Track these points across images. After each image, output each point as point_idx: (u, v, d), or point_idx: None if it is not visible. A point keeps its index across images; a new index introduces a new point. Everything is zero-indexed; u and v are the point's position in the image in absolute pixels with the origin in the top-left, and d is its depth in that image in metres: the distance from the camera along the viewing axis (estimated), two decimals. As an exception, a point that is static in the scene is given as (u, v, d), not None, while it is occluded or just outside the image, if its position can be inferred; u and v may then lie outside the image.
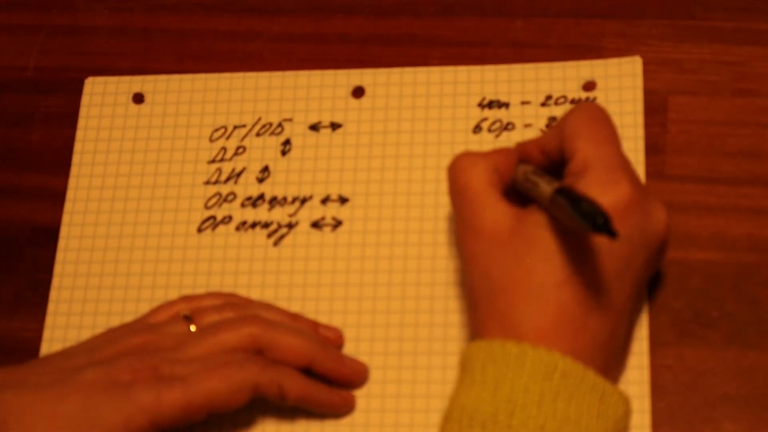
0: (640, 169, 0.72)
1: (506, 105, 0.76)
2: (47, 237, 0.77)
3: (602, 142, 0.64)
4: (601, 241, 0.61)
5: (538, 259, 0.62)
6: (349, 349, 0.71)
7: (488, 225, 0.64)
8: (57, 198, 0.78)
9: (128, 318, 0.73)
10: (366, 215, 0.74)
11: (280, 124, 0.78)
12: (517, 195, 0.67)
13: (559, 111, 0.75)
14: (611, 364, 0.63)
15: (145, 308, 0.72)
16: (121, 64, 0.81)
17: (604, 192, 0.62)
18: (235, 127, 0.78)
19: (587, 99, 0.75)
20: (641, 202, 0.63)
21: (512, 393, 0.59)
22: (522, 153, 0.68)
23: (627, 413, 0.62)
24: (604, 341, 0.62)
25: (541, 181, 0.63)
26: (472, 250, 0.64)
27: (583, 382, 0.60)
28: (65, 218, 0.77)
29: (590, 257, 0.62)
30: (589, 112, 0.65)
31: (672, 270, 0.70)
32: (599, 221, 0.57)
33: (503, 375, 0.60)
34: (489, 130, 0.76)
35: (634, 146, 0.73)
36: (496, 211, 0.64)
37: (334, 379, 0.69)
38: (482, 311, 0.63)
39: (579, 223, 0.58)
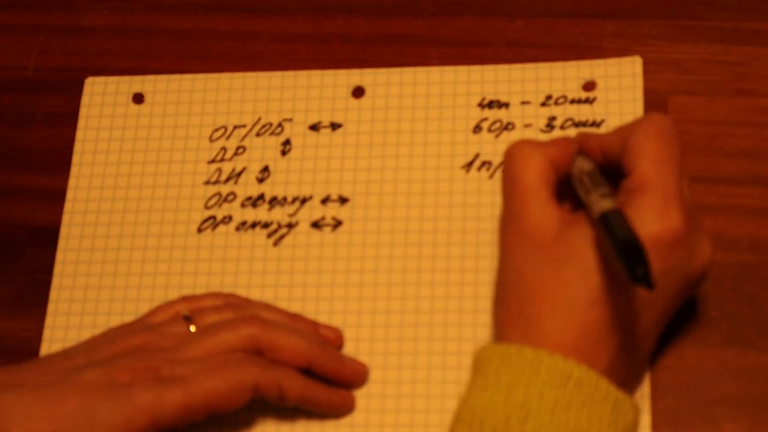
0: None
1: (506, 105, 0.76)
2: (47, 237, 0.77)
3: (664, 165, 0.62)
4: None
5: (575, 272, 0.61)
6: (349, 349, 0.71)
7: (533, 225, 0.63)
8: (57, 198, 0.78)
9: (128, 318, 0.73)
10: (366, 215, 0.74)
11: (280, 124, 0.78)
12: (570, 187, 0.66)
13: (559, 111, 0.75)
14: (627, 380, 0.63)
15: (145, 308, 0.72)
16: (120, 64, 0.81)
17: (656, 220, 0.61)
18: (235, 127, 0.78)
19: (587, 99, 0.75)
20: (689, 237, 0.62)
21: (526, 399, 0.59)
22: (582, 145, 0.67)
23: (636, 420, 0.62)
24: (623, 362, 0.62)
25: (594, 191, 0.62)
26: (512, 246, 0.64)
27: (597, 392, 0.59)
28: (65, 218, 0.77)
29: (626, 283, 0.60)
30: (657, 127, 0.64)
31: (672, 270, 0.70)
32: (639, 273, 0.57)
33: (518, 380, 0.59)
34: (489, 130, 0.76)
35: (634, 146, 0.73)
36: (544, 213, 0.63)
37: (333, 379, 0.69)
38: (509, 312, 0.63)
39: (615, 259, 0.58)
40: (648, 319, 0.63)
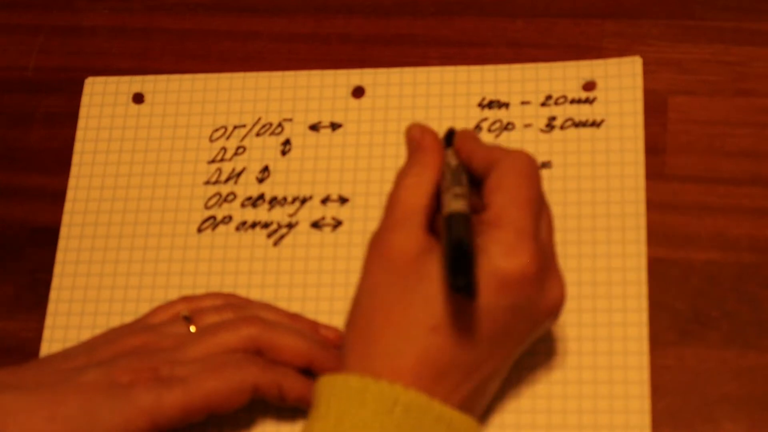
0: (640, 170, 0.72)
1: (506, 105, 0.76)
2: (47, 237, 0.77)
3: (521, 205, 0.62)
4: (484, 305, 0.60)
5: (421, 297, 0.61)
6: (349, 349, 0.71)
7: (396, 246, 0.62)
8: (57, 198, 0.78)
9: (128, 318, 0.73)
10: (366, 215, 0.74)
11: (280, 124, 0.78)
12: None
13: (559, 111, 0.75)
14: (470, 408, 0.62)
15: (145, 308, 0.72)
16: (120, 64, 0.81)
17: (506, 255, 0.60)
18: (235, 127, 0.78)
19: (587, 99, 0.75)
20: (538, 277, 0.61)
21: (352, 428, 0.58)
22: (458, 143, 0.66)
23: None
24: (461, 396, 0.61)
25: (451, 189, 0.62)
26: (371, 264, 0.63)
27: (427, 415, 0.59)
28: (65, 218, 0.77)
29: (470, 313, 0.60)
30: (520, 166, 0.63)
31: (672, 270, 0.70)
32: (459, 282, 0.57)
33: (345, 410, 0.59)
34: (489, 130, 0.76)
35: (634, 146, 0.73)
36: (409, 236, 0.62)
37: (333, 379, 0.69)
38: (354, 331, 0.63)
39: (445, 264, 0.58)
40: (492, 354, 0.62)
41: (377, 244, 0.63)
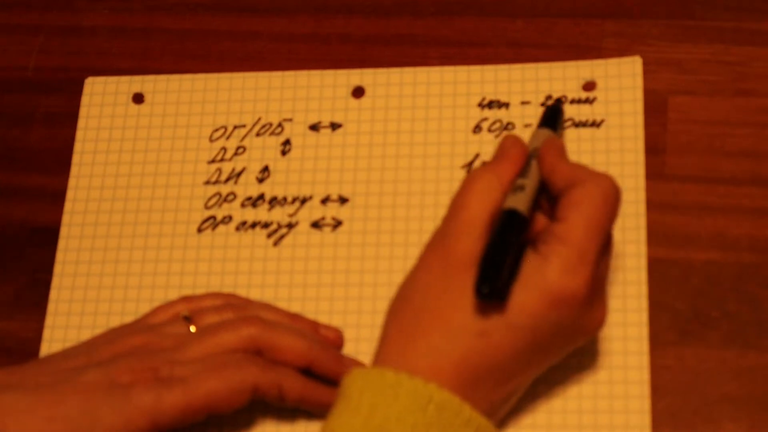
0: (640, 170, 0.72)
1: (506, 105, 0.76)
2: (47, 237, 0.77)
3: (593, 228, 0.62)
4: (531, 316, 0.60)
5: (472, 303, 0.61)
6: (349, 349, 0.71)
7: (459, 251, 0.62)
8: (57, 198, 0.78)
9: (128, 318, 0.73)
10: (366, 215, 0.74)
11: (280, 124, 0.78)
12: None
13: (559, 111, 0.75)
14: (494, 414, 0.63)
15: (145, 308, 0.72)
16: (121, 64, 0.81)
17: (564, 274, 0.61)
18: (235, 127, 0.78)
19: (587, 99, 0.75)
20: (587, 301, 0.62)
21: (384, 422, 0.58)
22: (541, 154, 0.66)
23: None
24: (494, 400, 0.62)
25: (517, 189, 0.63)
26: (428, 264, 0.63)
27: (458, 417, 0.59)
28: (65, 218, 0.77)
29: (515, 323, 0.61)
30: (603, 193, 0.63)
31: (672, 270, 0.70)
32: (484, 290, 0.59)
33: (377, 403, 0.59)
34: (489, 130, 0.76)
35: (634, 146, 0.73)
36: (472, 245, 0.62)
37: (334, 379, 0.69)
38: (398, 325, 0.62)
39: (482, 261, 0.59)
40: (529, 365, 0.62)
41: (438, 246, 0.63)
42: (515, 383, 0.63)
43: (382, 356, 0.62)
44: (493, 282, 0.59)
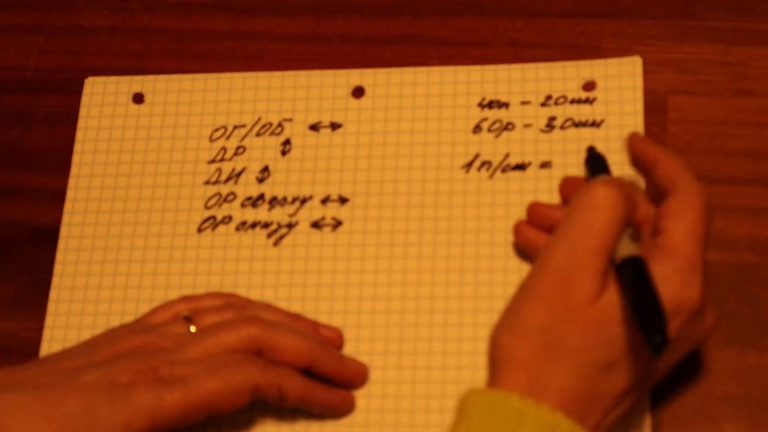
0: (640, 169, 0.72)
1: (506, 105, 0.76)
2: (47, 237, 0.77)
3: (697, 238, 0.62)
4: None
5: (600, 338, 0.60)
6: (349, 349, 0.71)
7: (580, 288, 0.60)
8: (57, 198, 0.78)
9: (128, 318, 0.73)
10: (366, 215, 0.74)
11: (280, 124, 0.78)
12: None
13: (559, 111, 0.75)
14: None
15: (145, 308, 0.72)
16: (121, 64, 0.81)
17: (680, 287, 0.61)
18: (235, 127, 0.78)
19: (587, 99, 0.75)
20: (699, 311, 0.62)
21: None
22: (640, 149, 0.66)
23: None
24: (608, 422, 0.61)
25: (626, 240, 0.61)
26: (547, 295, 0.60)
27: None
28: (65, 218, 0.77)
29: (642, 349, 0.60)
30: (704, 199, 0.63)
31: (672, 270, 0.70)
32: (656, 340, 0.57)
33: (501, 428, 0.58)
34: (489, 130, 0.76)
35: (634, 146, 0.73)
36: (595, 279, 0.60)
37: (334, 379, 0.69)
38: (517, 354, 0.60)
39: (635, 317, 0.58)
40: (645, 383, 0.63)
41: (559, 280, 0.60)
42: (631, 402, 0.62)
43: (499, 381, 0.60)
44: (663, 331, 0.57)
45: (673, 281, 0.61)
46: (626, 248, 0.61)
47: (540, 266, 0.61)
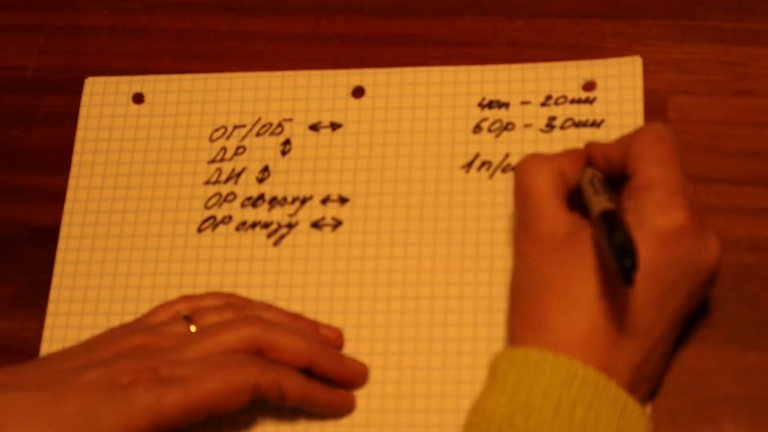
0: (640, 169, 0.72)
1: (506, 105, 0.76)
2: (47, 237, 0.77)
3: (666, 165, 0.64)
4: (647, 263, 0.61)
5: (582, 268, 0.62)
6: (349, 349, 0.71)
7: (545, 229, 0.64)
8: (57, 198, 0.78)
9: (128, 318, 0.73)
10: (366, 215, 0.74)
11: (280, 124, 0.78)
12: (579, 200, 0.67)
13: (559, 111, 0.75)
14: (639, 387, 0.63)
15: (145, 308, 0.72)
16: (121, 64, 0.81)
17: (662, 213, 0.62)
18: (235, 127, 0.78)
19: (587, 99, 0.75)
20: (696, 230, 0.63)
21: (529, 397, 0.59)
22: (588, 155, 0.68)
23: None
24: (635, 363, 0.62)
25: (599, 195, 0.64)
26: (524, 250, 0.65)
27: (605, 393, 0.59)
28: (65, 218, 0.77)
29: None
30: (656, 132, 0.66)
31: (672, 270, 0.70)
32: (626, 263, 0.58)
33: (522, 380, 0.60)
34: (489, 130, 0.76)
35: (634, 146, 0.73)
36: (554, 217, 0.65)
37: (334, 379, 0.69)
38: (520, 312, 0.64)
39: (608, 254, 0.59)
40: (661, 316, 0.63)
41: (526, 234, 0.65)
42: (652, 340, 0.62)
43: (518, 343, 0.63)
44: (633, 255, 0.58)
45: (653, 212, 0.62)
46: (599, 204, 0.63)
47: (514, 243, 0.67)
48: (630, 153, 0.65)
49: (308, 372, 0.68)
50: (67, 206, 0.77)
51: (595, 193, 0.64)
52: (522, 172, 0.67)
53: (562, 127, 0.75)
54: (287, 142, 0.77)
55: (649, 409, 0.66)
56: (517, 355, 0.61)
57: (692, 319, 0.69)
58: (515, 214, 0.67)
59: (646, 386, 0.64)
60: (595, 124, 0.74)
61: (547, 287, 0.63)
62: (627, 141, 0.66)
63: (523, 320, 0.63)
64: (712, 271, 0.65)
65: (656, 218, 0.62)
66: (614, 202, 0.63)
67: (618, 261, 0.58)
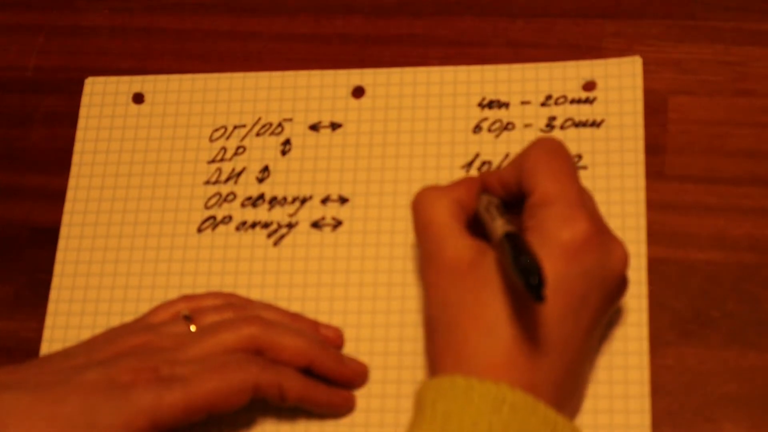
0: (640, 169, 0.72)
1: (506, 105, 0.76)
2: (47, 237, 0.77)
3: (561, 178, 0.64)
4: (556, 277, 0.61)
5: (493, 292, 0.62)
6: (349, 349, 0.71)
7: (449, 257, 0.64)
8: (57, 198, 0.78)
9: (128, 318, 0.73)
10: (366, 215, 0.74)
11: (280, 124, 0.78)
12: (482, 226, 0.67)
13: (559, 111, 0.75)
14: (565, 403, 0.63)
15: (145, 308, 0.72)
16: (121, 64, 0.81)
17: (563, 227, 0.62)
18: (235, 127, 0.78)
19: (587, 99, 0.75)
20: (599, 239, 0.63)
21: (460, 427, 0.58)
22: (484, 183, 0.68)
23: None
24: (557, 378, 0.61)
25: (497, 220, 0.64)
26: (432, 281, 0.64)
27: (534, 416, 0.59)
28: (65, 218, 0.77)
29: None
30: (547, 147, 0.65)
31: (672, 270, 0.70)
32: (533, 281, 0.58)
33: (451, 409, 0.59)
34: (489, 130, 0.76)
35: (634, 146, 0.73)
36: (457, 244, 0.64)
37: (334, 379, 0.69)
38: (438, 343, 0.63)
39: (515, 275, 0.59)
40: (576, 328, 0.62)
41: (431, 264, 0.65)
42: (572, 354, 0.62)
43: (438, 370, 0.62)
44: (540, 275, 0.58)
45: (555, 226, 0.62)
46: (498, 229, 0.63)
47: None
48: (523, 171, 0.65)
49: (308, 372, 0.68)
50: (67, 206, 0.77)
51: (492, 219, 0.64)
52: (420, 203, 0.67)
53: (562, 127, 0.75)
54: (287, 142, 0.77)
55: (647, 403, 0.66)
56: (443, 384, 0.60)
57: (692, 319, 0.69)
58: (417, 246, 0.67)
59: (572, 402, 0.64)
60: (595, 124, 0.74)
61: (461, 315, 0.62)
62: (519, 161, 0.66)
63: (442, 350, 0.63)
64: (621, 276, 0.64)
65: (559, 232, 0.62)
66: (513, 224, 0.63)
67: (525, 281, 0.58)
